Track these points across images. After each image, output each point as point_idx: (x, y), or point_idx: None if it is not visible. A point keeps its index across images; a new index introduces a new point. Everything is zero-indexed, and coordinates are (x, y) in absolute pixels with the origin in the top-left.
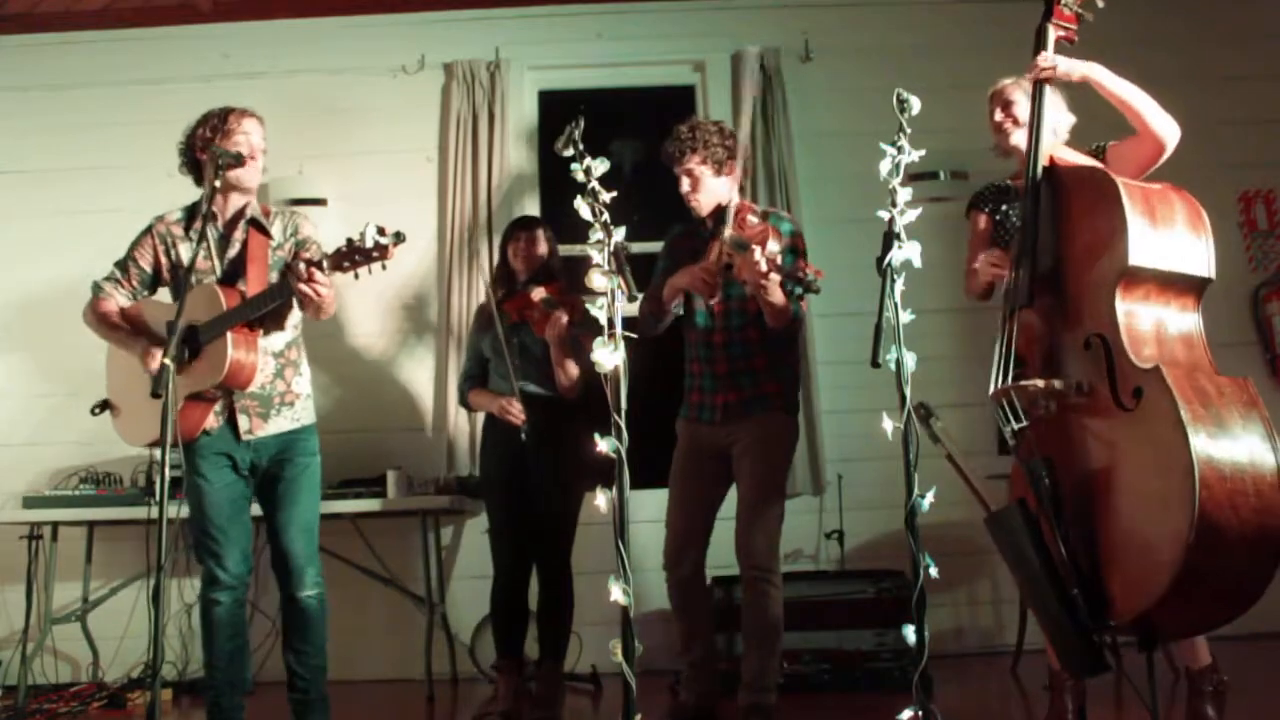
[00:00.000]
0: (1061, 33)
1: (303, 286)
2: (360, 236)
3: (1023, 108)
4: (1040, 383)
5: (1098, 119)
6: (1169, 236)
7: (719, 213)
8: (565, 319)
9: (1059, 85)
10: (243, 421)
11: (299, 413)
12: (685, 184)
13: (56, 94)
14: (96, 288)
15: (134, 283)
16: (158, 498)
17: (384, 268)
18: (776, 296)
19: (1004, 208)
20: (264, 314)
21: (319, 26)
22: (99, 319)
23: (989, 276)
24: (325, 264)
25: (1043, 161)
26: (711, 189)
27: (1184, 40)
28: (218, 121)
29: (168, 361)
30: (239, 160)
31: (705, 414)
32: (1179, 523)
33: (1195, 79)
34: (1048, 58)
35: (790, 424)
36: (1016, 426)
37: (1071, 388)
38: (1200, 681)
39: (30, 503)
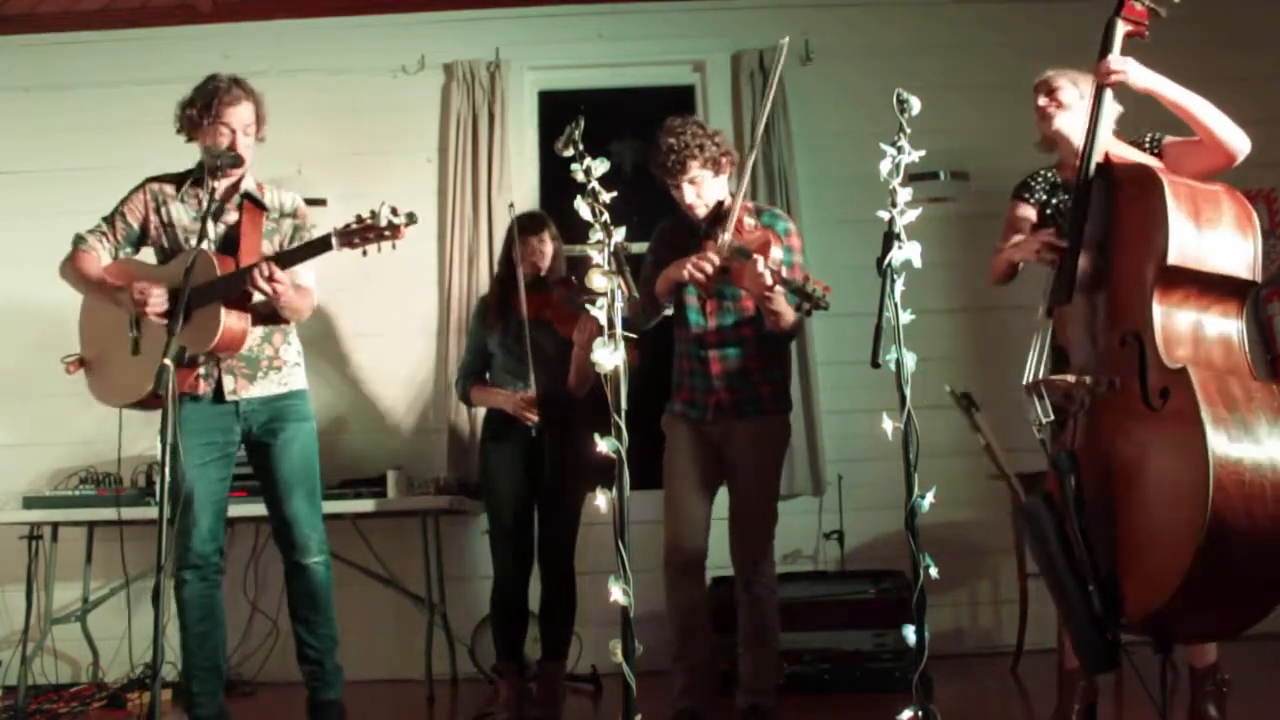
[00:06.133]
0: (1130, 27)
1: (263, 284)
2: (373, 215)
3: (1067, 93)
4: (1071, 378)
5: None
6: (1212, 238)
7: (714, 211)
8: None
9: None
10: (228, 382)
11: (286, 377)
12: (690, 193)
13: (57, 94)
14: (79, 239)
15: (118, 237)
16: (158, 498)
17: (394, 247)
18: (781, 307)
19: (1055, 201)
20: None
21: (319, 26)
22: (78, 272)
23: (1033, 252)
24: (335, 240)
25: (1097, 158)
26: (713, 190)
27: (1186, 41)
28: (205, 103)
29: (168, 362)
30: (238, 162)
31: (695, 412)
32: (1191, 524)
33: (1196, 80)
34: (1118, 60)
35: (783, 423)
36: (1045, 420)
37: (1103, 385)
38: (1203, 681)
39: (30, 503)
